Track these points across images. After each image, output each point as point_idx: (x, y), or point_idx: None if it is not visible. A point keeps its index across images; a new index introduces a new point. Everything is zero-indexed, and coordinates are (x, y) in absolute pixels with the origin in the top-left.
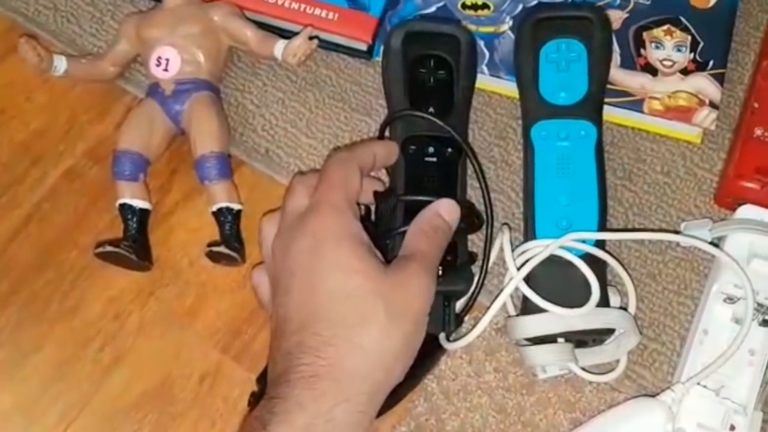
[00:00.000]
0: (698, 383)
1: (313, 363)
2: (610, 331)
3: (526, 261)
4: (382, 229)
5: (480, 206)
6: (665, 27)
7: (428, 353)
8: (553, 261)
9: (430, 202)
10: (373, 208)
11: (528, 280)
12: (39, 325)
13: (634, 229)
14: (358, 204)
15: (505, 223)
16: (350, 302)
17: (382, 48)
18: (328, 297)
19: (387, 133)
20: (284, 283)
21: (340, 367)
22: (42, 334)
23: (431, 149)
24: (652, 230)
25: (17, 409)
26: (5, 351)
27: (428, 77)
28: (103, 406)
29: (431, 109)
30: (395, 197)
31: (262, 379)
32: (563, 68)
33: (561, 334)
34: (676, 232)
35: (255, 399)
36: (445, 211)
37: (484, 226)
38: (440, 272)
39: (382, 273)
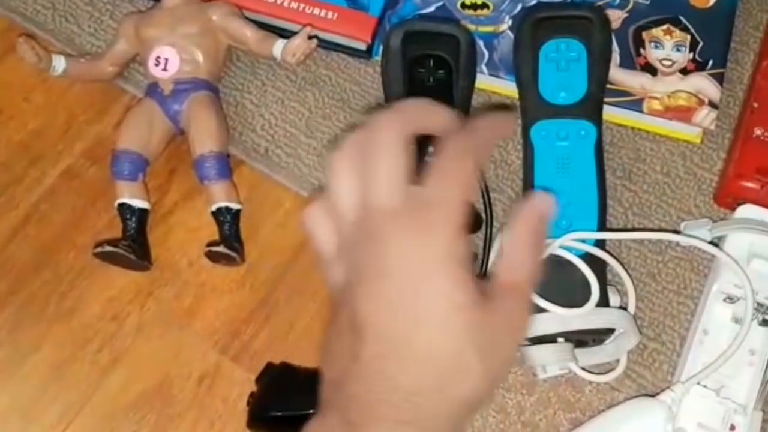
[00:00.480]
0: (698, 383)
1: (399, 406)
2: (609, 331)
3: None
4: None
5: (479, 206)
6: (665, 26)
7: None
8: (552, 260)
9: None
10: None
11: None
12: (37, 325)
13: (633, 229)
14: None
15: (505, 224)
16: (449, 347)
17: (381, 48)
18: (427, 333)
19: None
20: (369, 279)
21: (427, 418)
22: (40, 335)
23: (431, 149)
24: (652, 230)
25: (15, 410)
26: (3, 351)
27: (427, 77)
28: (101, 407)
29: None
30: None
31: (261, 379)
32: (563, 68)
33: (561, 334)
34: (676, 232)
35: (254, 399)
36: (543, 208)
37: (484, 226)
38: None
39: (483, 313)
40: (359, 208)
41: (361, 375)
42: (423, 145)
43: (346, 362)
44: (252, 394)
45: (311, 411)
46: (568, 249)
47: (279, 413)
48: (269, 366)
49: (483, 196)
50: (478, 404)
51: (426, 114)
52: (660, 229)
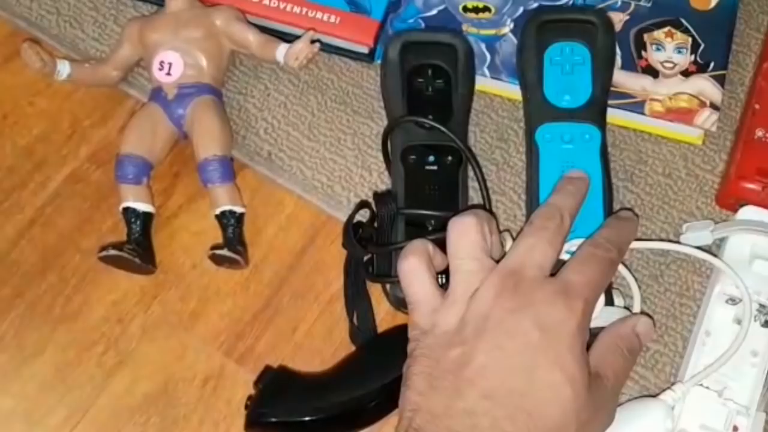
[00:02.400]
0: (701, 384)
1: None
2: None
3: None
4: (383, 241)
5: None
6: (666, 29)
7: None
8: (558, 264)
9: (431, 216)
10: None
11: None
12: (42, 328)
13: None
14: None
15: (506, 230)
16: (555, 414)
17: (380, 58)
18: (540, 393)
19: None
20: (494, 336)
21: None
22: (45, 337)
23: (431, 158)
24: (654, 239)
25: (21, 412)
26: (8, 354)
27: (426, 86)
28: (106, 410)
29: (430, 117)
30: (395, 207)
31: (259, 383)
32: (567, 71)
33: None
34: (676, 240)
35: (252, 402)
36: (643, 332)
37: None
38: (444, 280)
39: (588, 391)
40: (492, 270)
41: (468, 413)
42: (423, 154)
43: (447, 398)
44: (250, 397)
45: (307, 418)
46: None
47: (274, 419)
48: (267, 369)
49: (483, 201)
50: None
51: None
52: (661, 239)
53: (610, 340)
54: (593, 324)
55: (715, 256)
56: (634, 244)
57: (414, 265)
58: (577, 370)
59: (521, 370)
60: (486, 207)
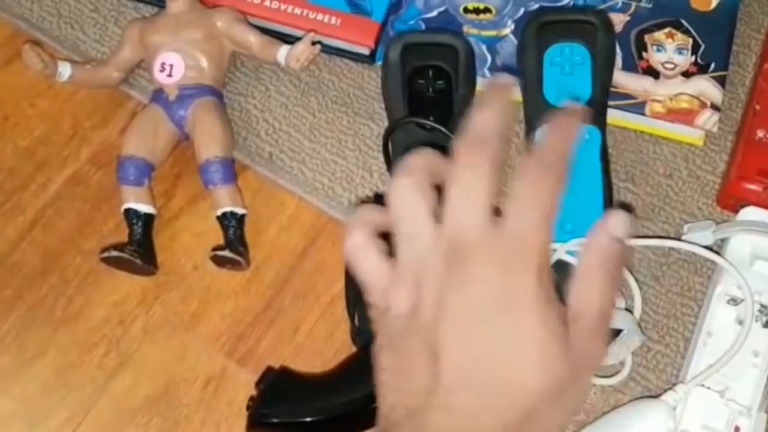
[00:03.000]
0: (702, 385)
1: None
2: (615, 333)
3: None
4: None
5: None
6: (666, 30)
7: None
8: (558, 264)
9: None
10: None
11: None
12: (44, 329)
13: (638, 235)
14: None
15: None
16: (532, 387)
17: (381, 59)
18: (512, 374)
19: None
20: (451, 319)
21: None
22: (47, 339)
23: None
24: (655, 237)
25: (22, 414)
26: (10, 356)
27: (427, 87)
28: (107, 411)
29: (431, 118)
30: None
31: (260, 383)
32: (567, 72)
33: None
34: (678, 239)
35: (253, 403)
36: (623, 231)
37: None
38: None
39: (565, 353)
40: (436, 237)
41: (444, 408)
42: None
43: (420, 392)
44: (251, 398)
45: (308, 419)
46: (574, 254)
47: (276, 420)
48: (269, 370)
49: None
50: None
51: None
52: (662, 236)
53: (587, 272)
54: None
55: (718, 253)
56: (638, 242)
57: (358, 242)
58: (546, 335)
59: (488, 352)
60: None
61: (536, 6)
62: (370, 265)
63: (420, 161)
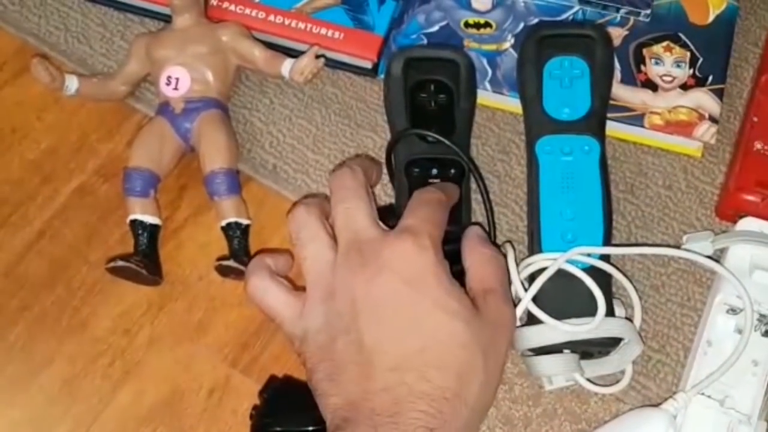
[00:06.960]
0: (702, 394)
1: (426, 412)
2: (615, 343)
3: (532, 274)
4: None
5: (483, 220)
6: (665, 43)
7: None
8: (559, 274)
9: None
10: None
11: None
12: (50, 339)
13: (638, 244)
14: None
15: (508, 241)
16: (457, 351)
17: (383, 73)
18: (435, 340)
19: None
20: (368, 311)
21: (451, 425)
22: (53, 349)
23: (434, 171)
24: (656, 245)
25: (28, 424)
26: (16, 365)
27: (429, 102)
28: (113, 421)
29: (433, 130)
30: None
31: (264, 393)
32: (566, 85)
33: (566, 345)
34: (678, 247)
35: (257, 412)
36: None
37: None
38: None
39: (476, 316)
40: (336, 250)
41: (384, 390)
42: (426, 167)
43: (359, 385)
44: (255, 407)
45: (311, 428)
46: (574, 263)
47: (279, 429)
48: (272, 379)
49: (486, 213)
50: (487, 408)
51: (371, 169)
52: (663, 245)
53: (472, 252)
54: (591, 335)
55: (718, 262)
56: (640, 250)
57: (257, 284)
58: (454, 300)
59: (408, 330)
60: (489, 219)
61: (536, 20)
62: (276, 299)
63: (312, 199)
